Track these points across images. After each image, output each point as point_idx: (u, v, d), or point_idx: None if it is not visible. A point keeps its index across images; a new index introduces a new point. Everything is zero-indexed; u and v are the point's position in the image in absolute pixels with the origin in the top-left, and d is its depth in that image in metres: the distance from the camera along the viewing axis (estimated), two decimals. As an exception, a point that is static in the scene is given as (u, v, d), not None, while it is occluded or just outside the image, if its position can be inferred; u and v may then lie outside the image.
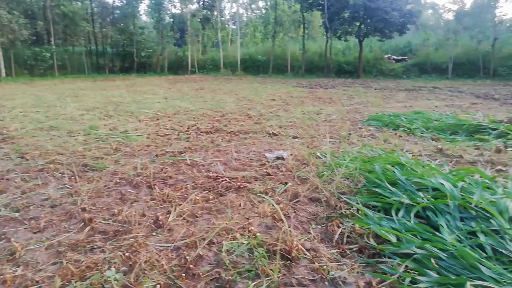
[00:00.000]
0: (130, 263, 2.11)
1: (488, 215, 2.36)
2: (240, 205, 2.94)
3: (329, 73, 26.78)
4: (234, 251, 2.24)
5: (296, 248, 2.20)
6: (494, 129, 5.53)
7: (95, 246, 2.32)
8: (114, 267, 2.07)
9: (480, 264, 1.93)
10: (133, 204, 3.00)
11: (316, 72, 27.88)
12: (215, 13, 34.51)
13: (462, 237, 2.22)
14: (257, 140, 5.45)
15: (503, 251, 2.05)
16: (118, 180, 3.59)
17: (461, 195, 2.66)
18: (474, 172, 3.32)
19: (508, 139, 5.20)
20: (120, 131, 6.09)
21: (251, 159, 4.32)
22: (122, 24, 31.44)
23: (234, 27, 38.39)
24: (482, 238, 2.16)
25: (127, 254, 2.19)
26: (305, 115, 7.92)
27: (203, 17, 33.63)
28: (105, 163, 4.13)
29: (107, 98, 11.43)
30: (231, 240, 2.36)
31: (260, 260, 2.10)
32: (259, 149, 4.85)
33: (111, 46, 31.88)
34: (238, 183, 3.42)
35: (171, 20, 34.57)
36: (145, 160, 4.31)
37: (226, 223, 2.58)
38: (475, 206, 2.49)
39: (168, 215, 2.76)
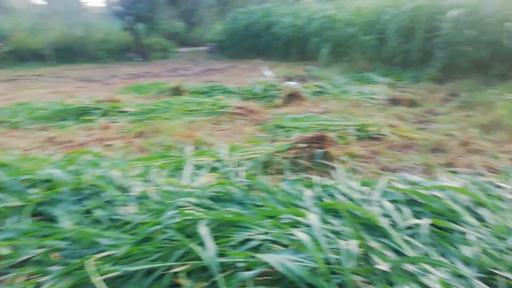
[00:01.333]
0: None
1: (99, 189, 2.53)
2: None
3: None
4: None
5: None
6: (98, 109, 5.96)
7: None
8: None
9: (100, 237, 2.04)
10: None
11: None
12: None
13: (80, 219, 2.27)
14: None
15: (117, 217, 2.27)
16: None
17: (74, 178, 2.69)
18: (84, 152, 3.46)
19: (113, 115, 5.77)
20: None
21: None
22: None
23: None
24: (97, 212, 2.29)
25: None
26: None
27: None
28: None
29: None
30: None
31: None
32: None
33: None
34: None
35: None
36: None
37: None
38: (88, 185, 2.60)
39: None
